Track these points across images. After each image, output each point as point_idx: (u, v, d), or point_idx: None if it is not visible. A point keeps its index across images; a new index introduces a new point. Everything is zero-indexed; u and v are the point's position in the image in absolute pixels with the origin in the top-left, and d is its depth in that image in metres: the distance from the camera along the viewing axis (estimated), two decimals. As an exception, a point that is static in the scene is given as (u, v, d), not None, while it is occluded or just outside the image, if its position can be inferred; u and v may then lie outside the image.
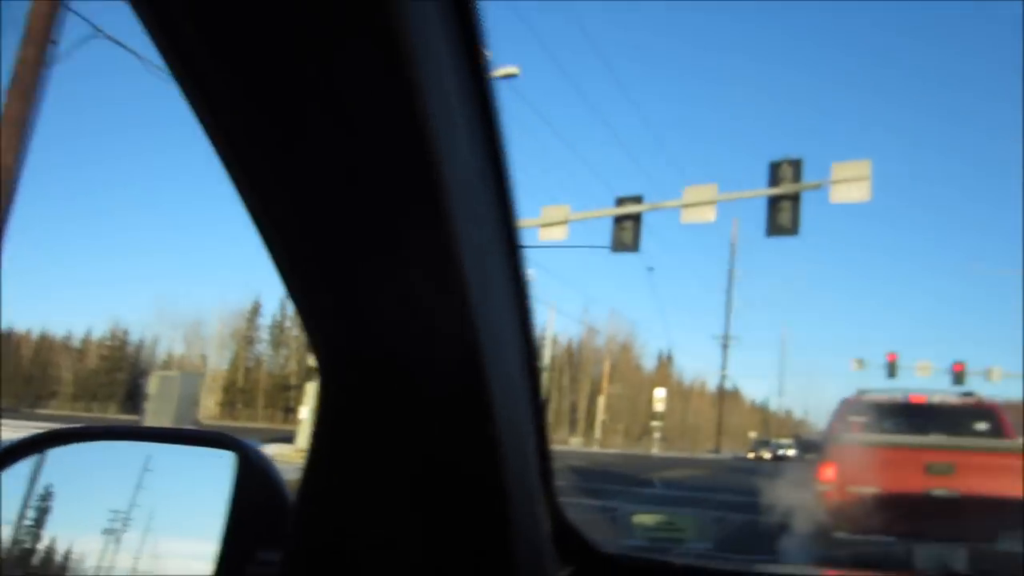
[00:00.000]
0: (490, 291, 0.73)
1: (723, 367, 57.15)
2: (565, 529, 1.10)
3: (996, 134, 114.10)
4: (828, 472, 6.12)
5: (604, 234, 15.58)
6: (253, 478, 0.97)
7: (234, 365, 65.07)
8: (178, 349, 64.52)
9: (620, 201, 15.05)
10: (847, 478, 5.93)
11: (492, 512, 0.81)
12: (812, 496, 6.13)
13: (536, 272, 48.82)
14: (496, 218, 0.75)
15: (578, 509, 11.01)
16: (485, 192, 0.73)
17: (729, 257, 56.70)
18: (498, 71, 16.43)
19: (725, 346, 55.92)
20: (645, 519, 1.83)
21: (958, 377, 33.29)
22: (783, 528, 6.49)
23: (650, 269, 35.90)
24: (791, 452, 44.89)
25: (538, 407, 0.91)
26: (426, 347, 0.74)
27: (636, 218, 14.94)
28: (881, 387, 11.32)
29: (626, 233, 14.91)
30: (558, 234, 14.92)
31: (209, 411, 55.11)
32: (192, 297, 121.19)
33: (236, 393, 63.35)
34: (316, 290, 0.74)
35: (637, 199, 15.00)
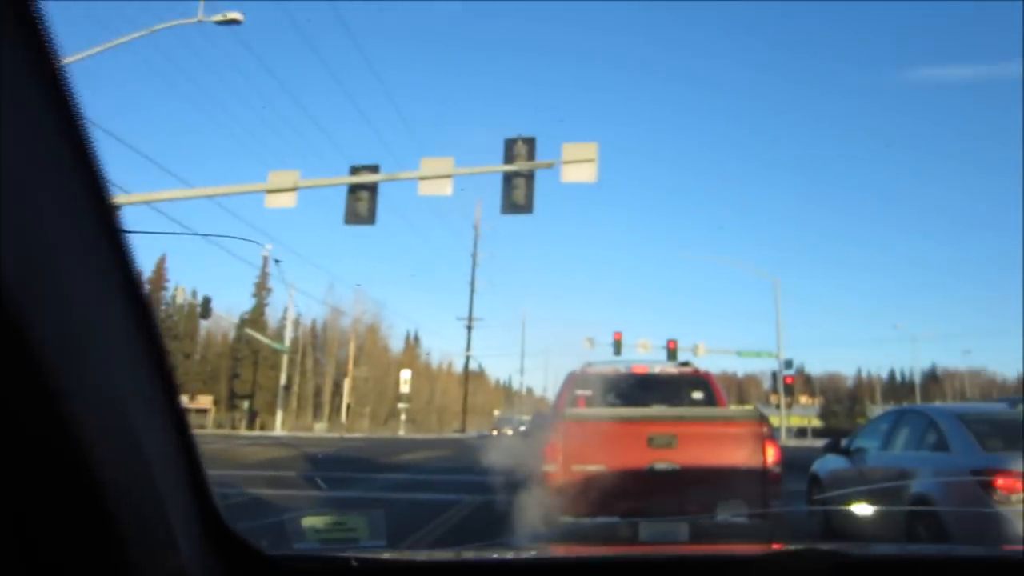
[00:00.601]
0: (54, 259, 0.73)
1: (468, 348, 58.41)
2: (222, 533, 1.10)
3: (716, 129, 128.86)
4: (552, 451, 5.80)
5: (339, 205, 14.69)
6: None
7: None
8: None
9: (354, 170, 14.25)
10: (571, 456, 5.68)
11: (80, 513, 0.78)
12: (539, 477, 5.86)
13: (274, 248, 46.38)
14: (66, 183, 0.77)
15: (301, 501, 10.16)
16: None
17: (473, 239, 57.97)
18: (218, 16, 14.79)
19: (469, 327, 57.20)
20: (315, 521, 1.67)
21: (672, 353, 36.74)
22: (512, 511, 6.17)
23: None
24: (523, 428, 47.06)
25: (169, 396, 0.91)
26: None
27: (372, 188, 14.24)
28: (607, 360, 11.52)
29: (361, 204, 14.18)
30: (286, 201, 13.83)
31: None
32: None
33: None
34: None
35: (373, 168, 14.30)
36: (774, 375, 40.76)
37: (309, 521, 1.63)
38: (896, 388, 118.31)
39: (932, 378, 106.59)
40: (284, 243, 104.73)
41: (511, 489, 6.27)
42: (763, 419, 5.84)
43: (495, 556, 1.92)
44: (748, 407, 21.02)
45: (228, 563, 1.11)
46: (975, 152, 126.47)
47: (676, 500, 5.45)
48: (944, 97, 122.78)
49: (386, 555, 1.63)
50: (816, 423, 70.85)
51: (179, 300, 42.32)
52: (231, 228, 49.08)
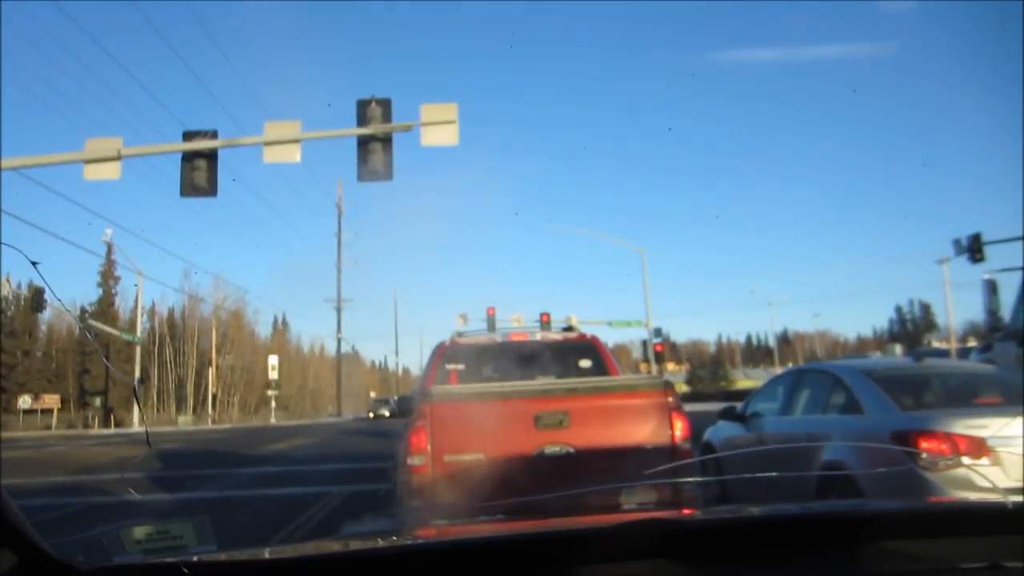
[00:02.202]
0: None
1: (338, 330, 56.72)
2: (28, 551, 1.05)
3: (576, 102, 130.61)
4: (418, 439, 4.70)
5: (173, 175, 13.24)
6: None
7: None
8: None
9: (188, 135, 12.82)
10: (442, 445, 4.67)
11: None
12: (404, 472, 4.79)
13: (114, 231, 42.87)
14: None
15: (140, 509, 9.05)
16: None
17: (336, 218, 56.07)
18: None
19: (338, 309, 55.55)
20: (135, 532, 1.47)
21: (545, 327, 36.79)
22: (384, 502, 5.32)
23: (233, 180, 33.29)
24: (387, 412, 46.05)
25: None
26: None
27: (210, 156, 12.87)
28: (479, 329, 10.57)
29: (199, 174, 12.79)
30: (108, 172, 12.25)
31: None
32: None
33: None
34: None
35: (210, 134, 12.92)
36: (644, 344, 41.76)
37: (129, 532, 1.48)
38: (753, 351, 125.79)
39: (784, 340, 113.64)
40: (127, 228, 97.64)
41: (384, 477, 5.39)
42: (668, 387, 4.95)
43: (337, 549, 1.79)
44: (650, 374, 20.49)
45: None
46: (823, 126, 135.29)
47: (572, 489, 4.59)
48: (778, 76, 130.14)
49: (221, 556, 1.55)
50: (684, 388, 73.89)
51: (3, 292, 38.15)
52: (57, 210, 44.93)
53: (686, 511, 2.59)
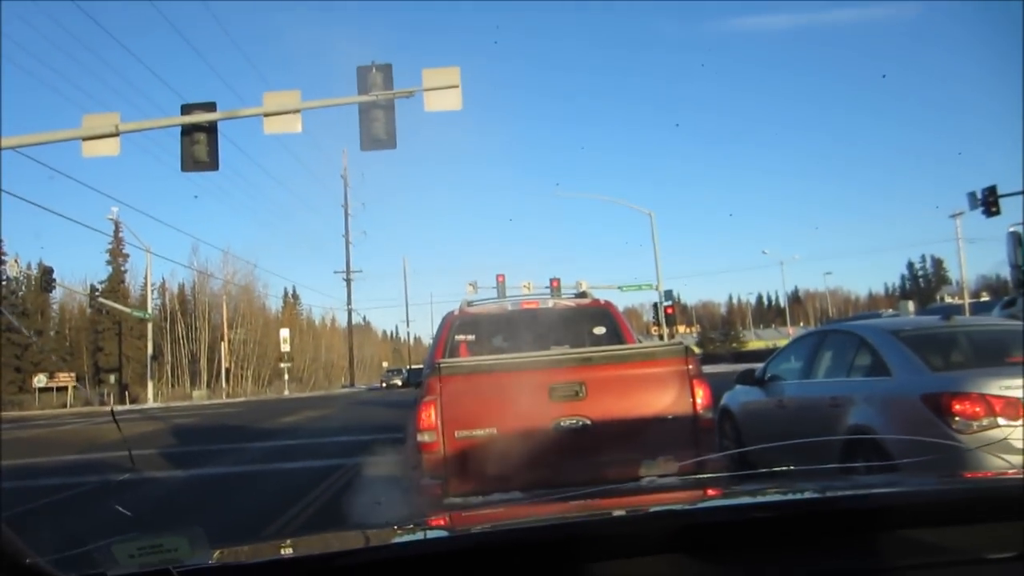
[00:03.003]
0: None
1: (349, 302, 56.76)
2: (17, 569, 1.04)
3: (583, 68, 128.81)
4: (427, 415, 4.51)
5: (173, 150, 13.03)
6: None
7: None
8: None
9: (186, 108, 12.57)
10: (452, 420, 4.48)
11: None
12: (414, 449, 4.63)
13: (119, 209, 42.79)
14: None
15: (150, 487, 9.00)
16: None
17: (343, 188, 55.76)
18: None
19: (348, 280, 55.49)
20: (127, 547, 1.39)
21: (556, 293, 36.62)
22: (384, 491, 5.19)
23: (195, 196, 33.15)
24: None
25: None
26: None
27: (210, 130, 12.63)
28: (491, 298, 10.29)
29: (199, 148, 12.57)
30: (107, 149, 12.04)
31: None
32: None
33: None
34: None
35: (209, 106, 12.66)
36: (655, 306, 41.48)
37: (122, 547, 1.45)
38: (764, 312, 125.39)
39: (796, 300, 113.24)
40: (132, 205, 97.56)
41: (397, 450, 5.25)
42: (688, 353, 4.72)
43: (338, 548, 1.77)
44: (671, 340, 20.02)
45: None
46: (832, 92, 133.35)
47: (589, 464, 4.29)
48: (788, 37, 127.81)
49: (215, 554, 1.54)
50: (697, 350, 73.78)
51: (13, 272, 38.34)
52: (62, 190, 44.86)
53: (710, 492, 2.46)
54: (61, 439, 19.00)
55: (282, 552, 1.86)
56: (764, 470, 4.47)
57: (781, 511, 1.64)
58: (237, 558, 1.67)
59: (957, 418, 4.49)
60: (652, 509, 1.63)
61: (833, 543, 1.44)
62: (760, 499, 1.84)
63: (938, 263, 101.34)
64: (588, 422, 4.46)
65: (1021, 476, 2.00)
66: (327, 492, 8.13)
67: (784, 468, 3.06)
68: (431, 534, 1.96)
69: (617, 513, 1.85)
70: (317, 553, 1.70)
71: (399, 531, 1.93)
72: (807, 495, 1.85)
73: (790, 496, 1.82)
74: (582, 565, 1.39)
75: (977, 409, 4.48)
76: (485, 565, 1.40)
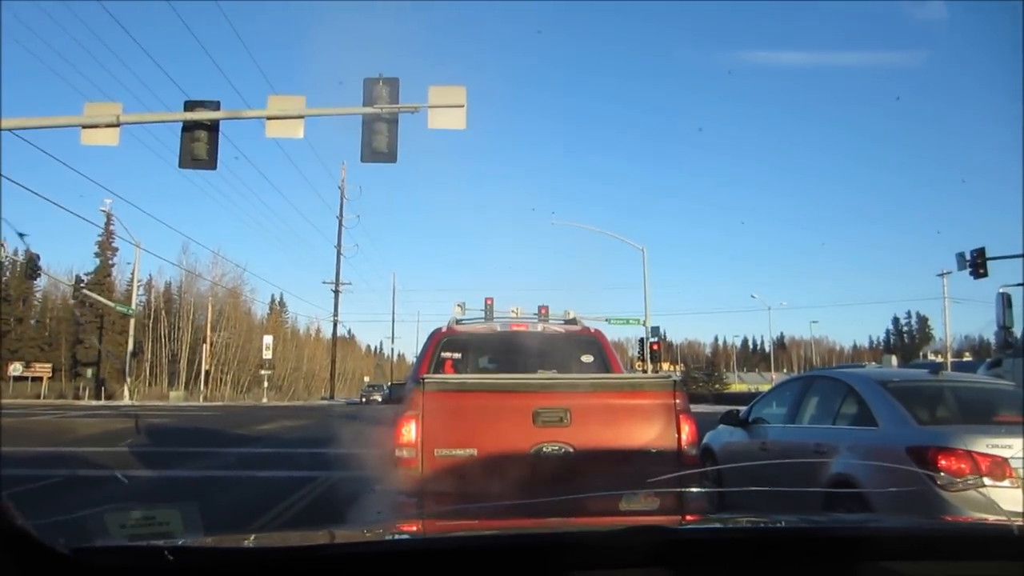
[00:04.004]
0: None
1: (335, 313, 56.43)
2: (6, 530, 1.05)
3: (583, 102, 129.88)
4: (408, 431, 4.45)
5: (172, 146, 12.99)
6: None
7: None
8: None
9: (189, 105, 12.52)
10: (432, 438, 4.39)
11: None
12: (391, 465, 4.55)
13: (113, 201, 42.56)
14: None
15: (117, 487, 8.84)
16: None
17: (339, 199, 55.69)
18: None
19: (336, 292, 55.20)
20: (120, 516, 1.46)
21: (544, 319, 36.49)
22: (352, 509, 5.10)
23: (236, 158, 33.07)
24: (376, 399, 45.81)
25: None
26: None
27: (212, 128, 12.58)
28: (479, 318, 10.22)
29: (199, 146, 12.50)
30: (106, 138, 11.96)
31: None
32: None
33: None
34: None
35: (213, 105, 12.63)
36: (641, 342, 41.46)
37: (114, 516, 1.45)
38: (748, 355, 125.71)
39: (780, 346, 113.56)
40: (126, 198, 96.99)
41: (373, 467, 5.17)
42: (677, 387, 4.65)
43: (322, 540, 1.77)
44: (659, 373, 19.88)
45: (16, 563, 1.07)
46: (824, 139, 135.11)
47: (569, 493, 4.28)
48: (789, 84, 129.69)
49: (207, 541, 1.56)
50: (680, 387, 73.57)
51: (-1, 257, 37.81)
52: (56, 177, 44.54)
53: (689, 518, 2.48)
54: (34, 430, 18.71)
55: (268, 542, 1.88)
56: (747, 489, 4.42)
57: (763, 534, 1.67)
58: (224, 544, 1.67)
59: (942, 473, 4.44)
60: (636, 525, 1.65)
61: (810, 571, 1.45)
62: (742, 525, 1.87)
63: (923, 320, 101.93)
64: (570, 449, 4.38)
65: (991, 521, 2.02)
66: (300, 503, 8.01)
67: (763, 489, 3.00)
68: (417, 535, 1.97)
69: (602, 526, 1.85)
70: (307, 544, 1.70)
71: (385, 531, 1.92)
72: (787, 523, 1.87)
73: (771, 523, 1.84)
74: (566, 574, 1.39)
75: (963, 466, 4.44)
76: (460, 569, 1.40)
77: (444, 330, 6.74)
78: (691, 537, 1.63)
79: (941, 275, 44.39)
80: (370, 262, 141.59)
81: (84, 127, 11.85)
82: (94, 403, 41.14)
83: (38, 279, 44.58)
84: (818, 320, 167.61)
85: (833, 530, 1.77)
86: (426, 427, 4.42)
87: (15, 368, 49.55)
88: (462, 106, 12.60)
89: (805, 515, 2.19)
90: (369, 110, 12.59)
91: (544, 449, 4.38)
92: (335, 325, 58.19)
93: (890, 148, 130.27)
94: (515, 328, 7.04)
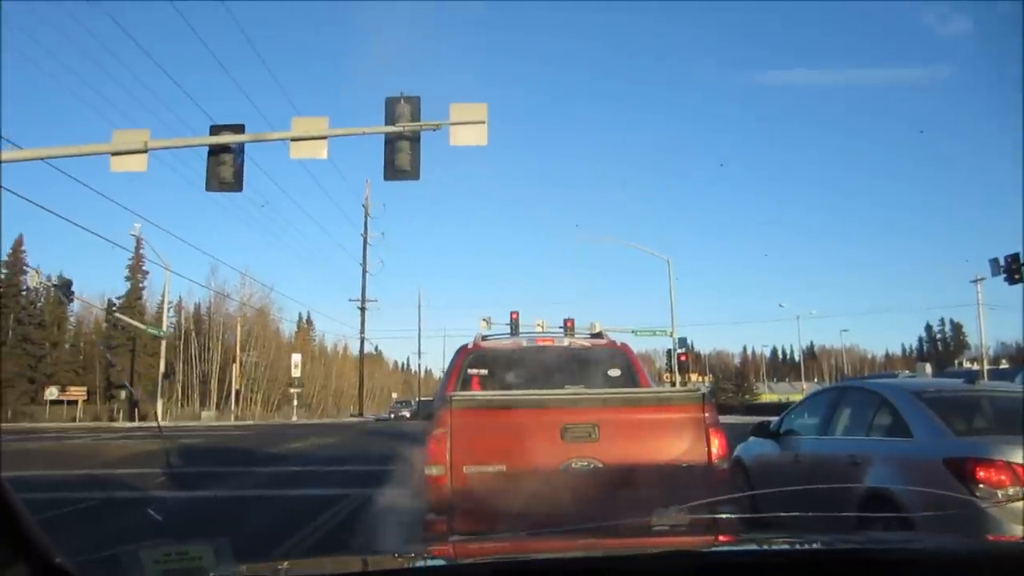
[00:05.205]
0: None
1: (362, 330, 56.78)
2: (44, 568, 1.05)
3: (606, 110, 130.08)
4: (437, 448, 4.44)
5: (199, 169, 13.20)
6: None
7: None
8: None
9: (215, 129, 12.74)
10: (461, 455, 4.38)
11: None
12: (421, 483, 4.56)
13: (142, 225, 43.27)
14: None
15: (155, 507, 8.93)
16: None
17: (363, 217, 56.18)
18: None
19: (363, 309, 55.58)
20: (154, 553, 1.48)
21: (570, 332, 36.35)
22: (383, 527, 5.10)
23: (263, 205, 33.66)
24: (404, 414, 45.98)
25: None
26: None
27: (237, 151, 12.78)
28: (506, 333, 10.25)
29: (225, 168, 12.69)
30: (135, 164, 12.20)
31: None
32: None
33: None
34: None
35: (237, 128, 12.82)
36: (668, 353, 41.23)
37: (148, 553, 1.48)
38: (779, 365, 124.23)
39: (810, 355, 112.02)
40: (155, 222, 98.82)
41: (403, 484, 5.17)
42: (706, 400, 4.60)
43: (357, 569, 1.85)
44: (687, 386, 19.67)
45: None
46: (850, 152, 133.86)
47: (599, 508, 4.13)
48: (816, 96, 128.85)
49: (243, 569, 1.60)
50: (709, 399, 72.89)
51: (33, 284, 38.57)
52: (86, 203, 45.56)
53: (722, 538, 2.41)
54: (70, 452, 18.98)
55: (302, 569, 1.90)
56: (778, 515, 4.35)
57: (795, 557, 1.64)
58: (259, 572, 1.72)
59: (981, 485, 4.33)
60: (669, 549, 1.65)
61: None
62: (775, 546, 1.83)
63: (957, 327, 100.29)
64: (600, 465, 4.35)
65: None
66: (331, 521, 8.04)
67: (796, 514, 2.94)
68: (450, 560, 1.94)
69: (634, 548, 1.85)
70: (340, 573, 1.74)
71: (417, 555, 1.93)
72: (821, 544, 1.82)
73: (806, 545, 1.80)
74: None
75: (1002, 477, 4.33)
76: None
77: (470, 346, 6.75)
78: (726, 561, 1.61)
79: (975, 281, 43.58)
80: (395, 278, 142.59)
81: (113, 154, 12.10)
82: (128, 424, 41.71)
83: (71, 304, 45.38)
84: (848, 328, 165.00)
85: (871, 552, 1.73)
86: (454, 444, 4.41)
87: (51, 392, 50.41)
88: (483, 122, 12.66)
89: (840, 534, 2.15)
90: (391, 129, 12.69)
91: (573, 465, 4.35)
92: (362, 342, 58.60)
93: (918, 155, 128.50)
94: (541, 343, 7.03)
